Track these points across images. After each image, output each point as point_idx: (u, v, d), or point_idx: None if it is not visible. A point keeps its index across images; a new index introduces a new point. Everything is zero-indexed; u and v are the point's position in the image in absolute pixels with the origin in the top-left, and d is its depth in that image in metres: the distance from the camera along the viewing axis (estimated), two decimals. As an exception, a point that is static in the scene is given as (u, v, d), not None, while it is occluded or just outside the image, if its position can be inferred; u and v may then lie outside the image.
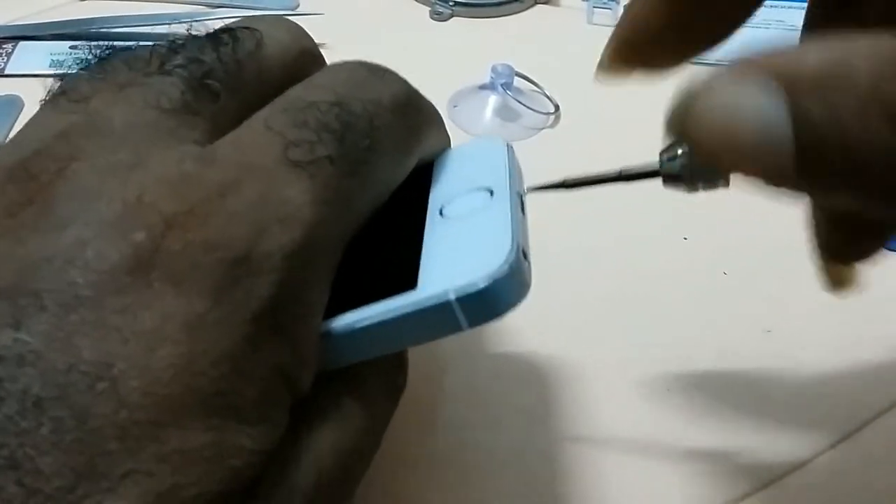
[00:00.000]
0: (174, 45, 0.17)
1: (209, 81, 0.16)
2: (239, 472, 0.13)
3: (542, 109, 0.37)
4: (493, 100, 0.37)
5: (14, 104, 0.36)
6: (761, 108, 0.13)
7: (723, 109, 0.13)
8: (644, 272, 0.30)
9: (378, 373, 0.17)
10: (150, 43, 0.17)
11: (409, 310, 0.15)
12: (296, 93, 0.16)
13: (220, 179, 0.14)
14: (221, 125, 0.16)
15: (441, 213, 0.18)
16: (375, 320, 0.15)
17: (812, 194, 0.13)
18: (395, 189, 0.18)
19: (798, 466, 0.24)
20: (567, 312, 0.28)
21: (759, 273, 0.30)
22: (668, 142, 0.17)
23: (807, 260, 0.31)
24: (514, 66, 0.37)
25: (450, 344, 0.26)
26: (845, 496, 0.23)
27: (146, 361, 0.12)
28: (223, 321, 0.13)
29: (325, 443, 0.15)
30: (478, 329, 0.15)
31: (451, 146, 0.21)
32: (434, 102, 0.20)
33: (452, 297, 0.15)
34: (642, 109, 0.38)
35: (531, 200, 0.19)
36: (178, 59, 0.16)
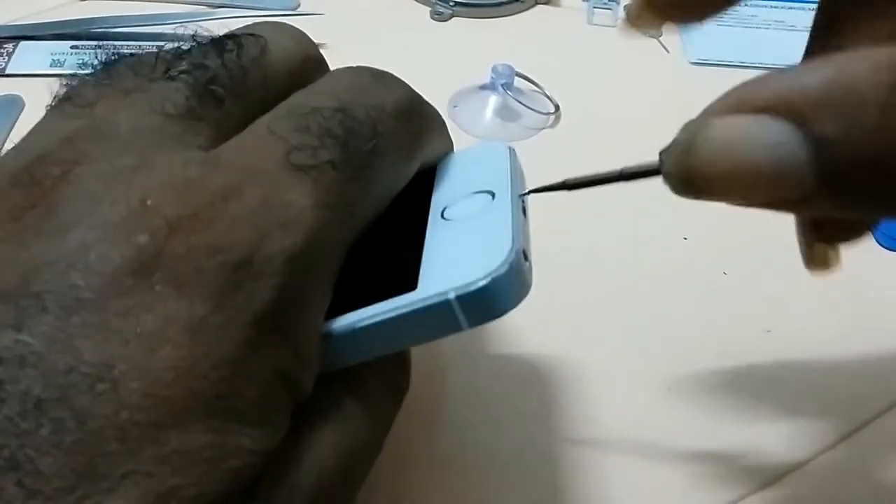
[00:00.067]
0: (179, 51, 0.17)
1: (214, 87, 0.16)
2: (239, 473, 0.13)
3: (543, 109, 0.37)
4: (493, 100, 0.37)
5: (15, 104, 0.36)
6: (771, 138, 0.12)
7: (730, 148, 0.13)
8: (644, 272, 0.30)
9: (380, 374, 0.17)
10: (151, 43, 0.17)
11: (409, 309, 0.15)
12: (299, 98, 0.17)
13: (223, 184, 0.14)
14: (226, 131, 0.16)
15: (443, 216, 0.18)
16: (375, 320, 0.15)
17: (831, 210, 0.13)
18: (397, 192, 0.18)
19: (798, 466, 0.24)
20: (567, 312, 0.28)
21: (759, 273, 0.30)
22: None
23: (806, 260, 0.31)
24: (514, 67, 0.37)
25: (450, 345, 0.26)
26: (845, 496, 0.24)
27: (147, 363, 0.12)
28: (225, 324, 0.13)
29: (326, 444, 0.15)
30: (478, 330, 0.15)
31: (454, 150, 0.21)
32: (434, 103, 0.20)
33: (452, 296, 0.15)
34: (642, 109, 0.38)
35: (531, 201, 0.19)
36: (183, 65, 0.16)
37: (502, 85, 0.37)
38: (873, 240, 0.32)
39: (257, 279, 0.14)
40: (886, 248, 0.32)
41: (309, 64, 0.18)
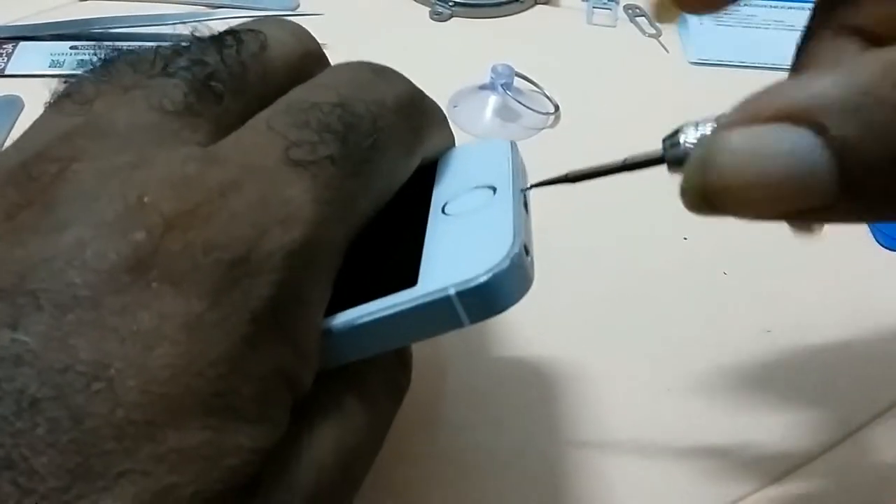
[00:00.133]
0: (178, 47, 0.17)
1: (212, 83, 0.16)
2: (237, 471, 0.13)
3: (542, 109, 0.37)
4: (493, 100, 0.37)
5: (14, 104, 0.36)
6: (793, 145, 0.12)
7: (753, 157, 0.13)
8: (644, 272, 0.30)
9: (380, 371, 0.17)
10: (151, 43, 0.17)
11: (409, 305, 0.15)
12: (298, 94, 0.16)
13: (221, 180, 0.14)
14: (225, 127, 0.16)
15: (444, 211, 0.18)
16: (376, 316, 0.15)
17: (849, 218, 0.13)
18: (398, 188, 0.18)
19: (798, 466, 0.24)
20: (567, 312, 0.28)
21: (759, 273, 0.30)
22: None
23: (806, 260, 0.31)
24: (513, 67, 0.37)
25: (451, 343, 0.26)
26: (846, 496, 0.24)
27: (143, 361, 0.12)
28: (222, 321, 0.13)
29: (325, 441, 0.15)
30: (479, 328, 0.15)
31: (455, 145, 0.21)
32: (434, 102, 0.20)
33: (452, 291, 0.15)
34: (642, 109, 0.38)
35: (532, 200, 0.19)
36: (182, 62, 0.16)
37: (502, 85, 0.37)
38: (873, 240, 0.32)
39: (255, 276, 0.14)
40: (886, 247, 0.32)
41: (309, 59, 0.18)
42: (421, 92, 0.19)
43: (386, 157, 0.17)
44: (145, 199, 0.13)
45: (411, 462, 0.23)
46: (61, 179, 0.14)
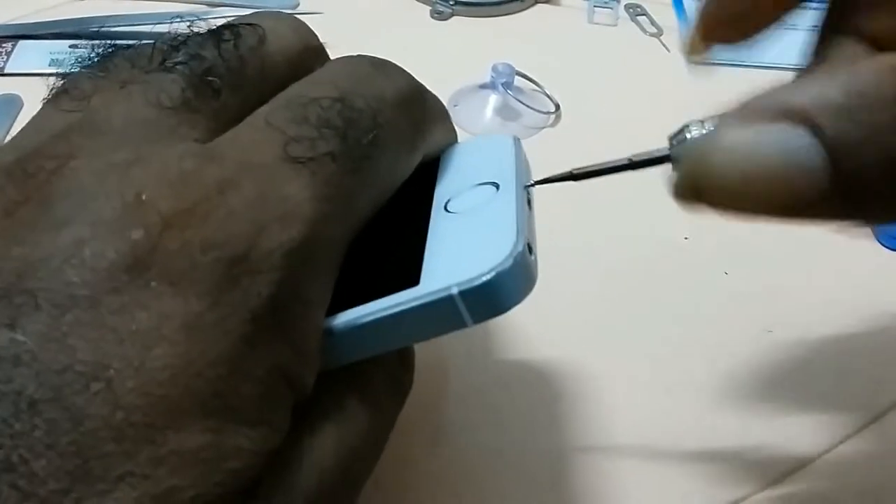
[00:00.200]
0: (176, 42, 0.16)
1: (210, 78, 0.16)
2: (238, 474, 0.13)
3: (543, 109, 0.37)
4: (493, 99, 0.37)
5: (13, 103, 0.36)
6: (788, 143, 0.13)
7: (749, 151, 0.13)
8: (644, 272, 0.30)
9: (383, 372, 0.17)
10: (149, 41, 0.17)
11: (411, 305, 0.15)
12: (297, 89, 0.16)
13: (219, 177, 0.14)
14: (223, 122, 0.15)
15: (446, 208, 0.18)
16: (378, 316, 0.15)
17: (838, 216, 0.14)
18: (399, 185, 0.18)
19: (799, 467, 0.24)
20: (567, 312, 0.28)
21: (760, 273, 0.30)
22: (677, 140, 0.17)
23: (807, 260, 0.31)
24: (514, 66, 0.37)
25: (452, 343, 0.26)
26: (846, 496, 0.23)
27: (142, 362, 0.12)
28: (221, 321, 0.13)
29: (327, 443, 0.15)
30: (480, 328, 0.15)
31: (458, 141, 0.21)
32: (434, 102, 0.20)
33: (455, 291, 0.15)
34: (643, 108, 0.38)
35: (532, 199, 0.19)
36: (180, 56, 0.16)
37: (502, 84, 0.37)
38: (875, 240, 0.32)
39: (254, 275, 0.13)
40: (888, 248, 0.32)
41: (308, 54, 0.18)
42: (422, 86, 0.19)
43: (387, 154, 0.16)
44: (143, 197, 0.13)
45: (413, 462, 0.23)
46: (59, 176, 0.14)
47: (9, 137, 0.34)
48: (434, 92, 0.19)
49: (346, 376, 0.16)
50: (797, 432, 0.25)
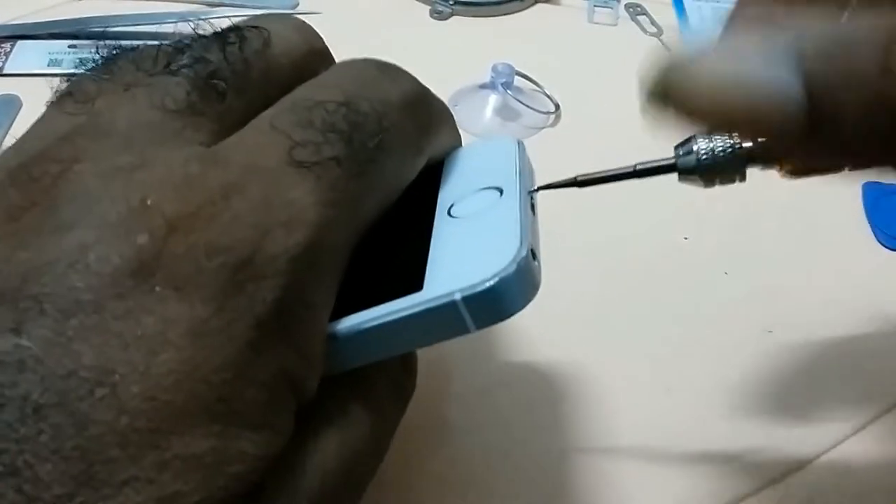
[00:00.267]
0: (181, 45, 0.16)
1: (215, 81, 0.16)
2: (241, 478, 0.13)
3: (543, 108, 0.37)
4: (493, 99, 0.37)
5: (12, 104, 0.36)
6: (769, 67, 0.13)
7: (728, 66, 0.13)
8: (644, 272, 0.30)
9: (385, 376, 0.17)
10: (150, 42, 0.17)
11: (414, 311, 0.15)
12: (302, 92, 0.16)
13: (223, 181, 0.14)
14: (228, 126, 0.15)
15: (450, 213, 0.18)
16: (380, 322, 0.15)
17: (807, 154, 0.14)
18: (404, 189, 0.18)
19: (799, 467, 0.24)
20: (567, 313, 0.28)
21: (759, 273, 0.30)
22: (681, 137, 0.17)
23: (807, 260, 0.31)
24: (514, 66, 0.37)
25: (454, 346, 0.26)
26: (846, 496, 0.23)
27: (147, 367, 0.12)
28: (226, 326, 0.13)
29: (330, 447, 0.15)
30: (483, 331, 0.15)
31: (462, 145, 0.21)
32: (435, 102, 0.20)
33: (458, 297, 0.14)
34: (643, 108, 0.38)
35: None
36: (184, 59, 0.16)
37: (502, 84, 0.37)
38: (874, 239, 0.32)
39: (259, 280, 0.13)
40: (887, 247, 0.32)
41: (313, 57, 0.18)
42: (427, 90, 0.19)
43: (392, 158, 0.16)
44: (148, 201, 0.13)
45: (416, 464, 0.23)
46: (63, 180, 0.14)
47: (8, 137, 0.34)
48: (434, 91, 0.19)
49: (350, 381, 0.16)
50: (797, 432, 0.25)
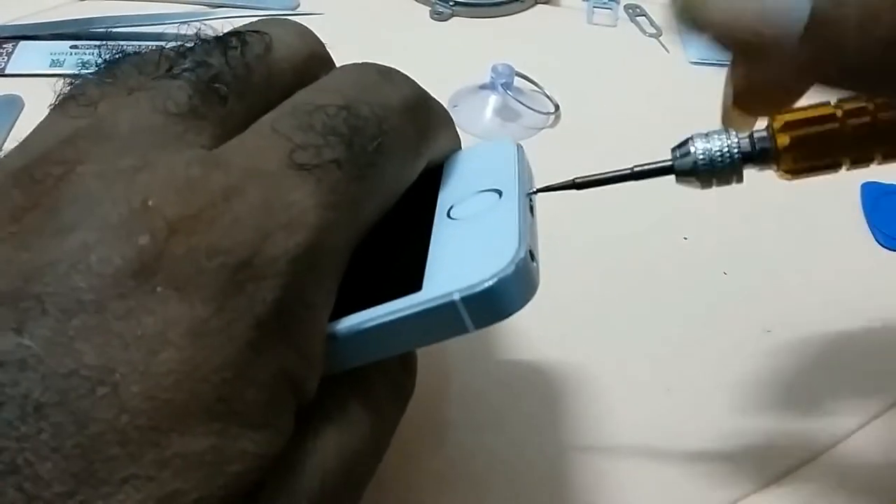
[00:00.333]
0: (183, 49, 0.16)
1: (217, 85, 0.16)
2: (241, 477, 0.13)
3: (543, 109, 0.37)
4: (493, 99, 0.37)
5: (14, 104, 0.36)
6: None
7: None
8: (644, 272, 0.30)
9: (385, 376, 0.17)
10: (151, 43, 0.17)
11: (413, 311, 0.15)
12: (303, 96, 0.16)
13: (224, 184, 0.14)
14: (229, 129, 0.16)
15: (449, 215, 0.18)
16: (380, 322, 0.15)
17: (795, 74, 0.15)
18: (403, 191, 0.18)
19: (799, 466, 0.24)
20: (567, 313, 0.28)
21: (759, 273, 0.30)
22: (681, 140, 0.17)
23: (807, 260, 0.31)
24: (514, 66, 0.37)
25: (454, 347, 0.26)
26: (846, 496, 0.24)
27: (148, 366, 0.12)
28: (226, 326, 0.13)
29: (329, 447, 0.15)
30: (482, 331, 0.15)
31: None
32: (434, 102, 0.20)
33: (457, 297, 0.15)
34: (642, 109, 0.38)
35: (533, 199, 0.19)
36: (187, 63, 0.16)
37: (502, 84, 0.37)
38: (873, 239, 0.32)
39: (259, 281, 0.14)
40: (886, 247, 0.32)
41: (314, 61, 0.18)
42: (427, 93, 0.19)
43: (391, 161, 0.17)
44: (149, 203, 0.13)
45: (415, 464, 0.23)
46: (65, 182, 0.14)
47: (10, 137, 0.34)
48: (434, 92, 0.19)
49: (349, 381, 0.16)
50: (796, 432, 0.25)
